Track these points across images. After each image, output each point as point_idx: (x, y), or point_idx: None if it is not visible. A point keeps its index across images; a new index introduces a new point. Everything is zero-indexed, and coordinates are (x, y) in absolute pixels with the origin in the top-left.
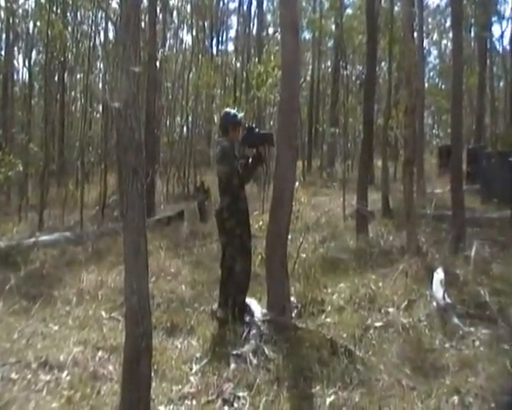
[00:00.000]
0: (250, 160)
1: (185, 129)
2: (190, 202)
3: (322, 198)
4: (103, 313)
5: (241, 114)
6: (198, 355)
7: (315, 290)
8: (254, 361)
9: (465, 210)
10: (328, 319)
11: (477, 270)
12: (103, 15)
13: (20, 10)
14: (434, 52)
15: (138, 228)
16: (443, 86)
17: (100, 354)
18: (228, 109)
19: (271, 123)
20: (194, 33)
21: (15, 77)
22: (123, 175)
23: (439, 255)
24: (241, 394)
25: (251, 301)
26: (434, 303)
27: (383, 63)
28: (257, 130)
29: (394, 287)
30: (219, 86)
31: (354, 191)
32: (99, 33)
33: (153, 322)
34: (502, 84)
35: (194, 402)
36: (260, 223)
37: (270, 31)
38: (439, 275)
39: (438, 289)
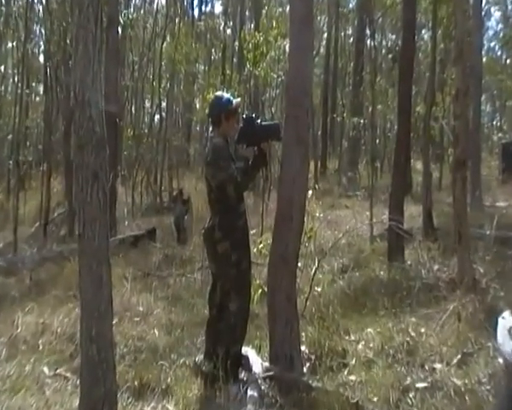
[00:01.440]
0: (250, 161)
1: (157, 118)
2: (164, 216)
3: (341, 212)
4: (46, 370)
5: (237, 100)
6: None
7: (334, 337)
8: None
9: None
10: (352, 377)
11: None
12: None
13: None
14: (496, 14)
15: (100, 252)
16: (507, 61)
17: None
18: (219, 93)
19: (273, 110)
20: None
21: None
22: (78, 180)
23: (505, 293)
24: None
25: (248, 352)
26: (500, 359)
27: (424, 31)
28: (258, 121)
29: (442, 335)
30: (203, 61)
31: (385, 203)
32: None
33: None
34: None
35: None
36: (260, 245)
37: None
38: (505, 321)
39: (505, 340)
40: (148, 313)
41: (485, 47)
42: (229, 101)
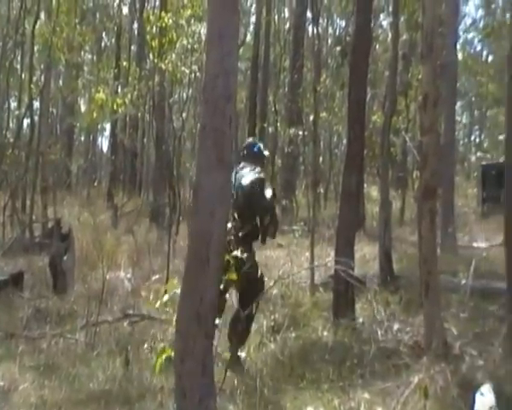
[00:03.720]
0: None
1: (27, 123)
2: (36, 255)
3: (273, 252)
4: None
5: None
6: None
7: None
8: None
9: None
10: None
11: None
12: None
13: None
14: None
15: None
16: (490, 58)
17: None
18: (255, 139)
19: (184, 117)
20: None
21: None
22: None
23: (484, 361)
24: None
25: None
26: None
27: (383, 16)
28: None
29: None
30: (91, 48)
31: (330, 242)
32: None
33: None
34: None
35: None
36: (165, 296)
37: None
38: (484, 398)
39: None
40: (10, 388)
41: (462, 40)
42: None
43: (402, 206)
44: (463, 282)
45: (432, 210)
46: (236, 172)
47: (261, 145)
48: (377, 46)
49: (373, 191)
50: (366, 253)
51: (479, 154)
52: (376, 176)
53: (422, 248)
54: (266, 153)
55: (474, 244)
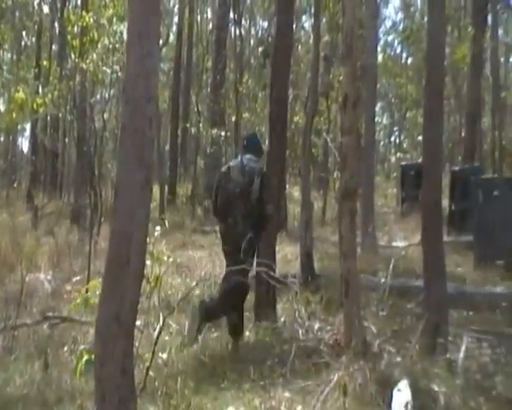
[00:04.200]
0: None
1: None
2: None
3: (196, 253)
4: None
5: None
6: None
7: None
8: None
9: (447, 280)
10: None
11: (469, 386)
12: None
13: None
14: (395, 1)
15: None
16: (409, 60)
17: None
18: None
19: (105, 117)
20: None
21: None
22: None
23: (401, 358)
24: None
25: None
26: None
27: (305, 18)
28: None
29: None
30: (10, 47)
31: None
32: None
33: None
34: None
35: None
36: (85, 299)
37: None
38: (402, 394)
39: None
40: None
41: (382, 42)
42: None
43: (323, 206)
44: (383, 281)
45: (352, 210)
46: (242, 160)
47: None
48: (299, 47)
49: (294, 192)
50: (288, 253)
51: (398, 154)
52: (298, 176)
53: (342, 248)
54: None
55: (394, 243)
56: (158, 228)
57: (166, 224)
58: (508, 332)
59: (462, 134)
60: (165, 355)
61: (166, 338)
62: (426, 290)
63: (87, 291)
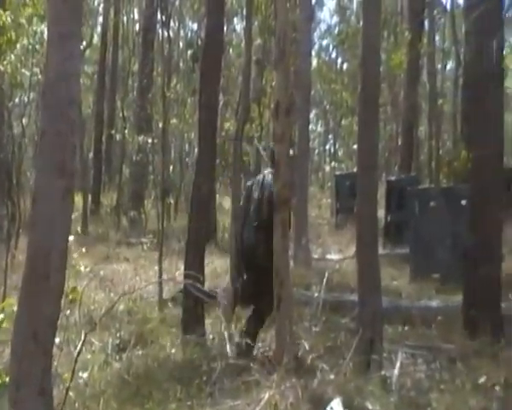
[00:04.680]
0: None
1: None
2: None
3: (120, 266)
4: None
5: None
6: None
7: None
8: None
9: (382, 294)
10: None
11: (404, 403)
12: None
13: None
14: (330, 4)
15: None
16: (345, 66)
17: None
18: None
19: (24, 122)
20: None
21: None
22: None
23: (335, 375)
24: None
25: None
26: None
27: (236, 20)
28: None
29: None
30: None
31: (180, 255)
32: None
33: None
34: (450, 65)
35: None
36: (0, 315)
37: None
38: None
39: None
40: None
41: (316, 46)
42: None
43: None
44: (316, 295)
45: (284, 221)
46: (264, 173)
47: None
48: (230, 51)
49: (225, 202)
50: (217, 266)
51: (333, 163)
52: (229, 186)
53: (274, 261)
54: None
55: (328, 256)
56: (71, 238)
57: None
58: (443, 347)
59: (399, 143)
60: (86, 374)
61: (88, 356)
62: (360, 305)
63: (3, 309)
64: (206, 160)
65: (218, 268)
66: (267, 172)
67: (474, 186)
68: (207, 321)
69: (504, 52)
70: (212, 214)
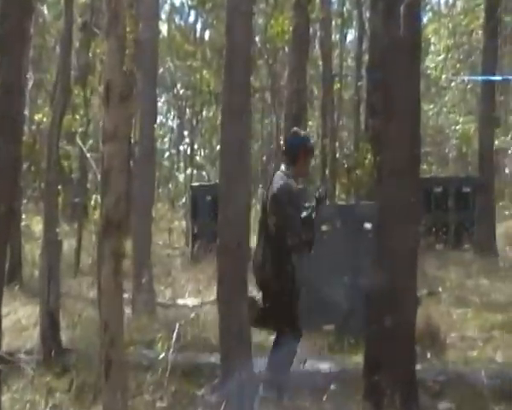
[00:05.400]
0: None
1: None
2: None
3: None
4: None
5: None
6: None
7: None
8: None
9: (255, 352)
10: None
11: None
12: None
13: None
14: None
15: None
16: (207, 34)
17: None
18: (296, 129)
19: None
20: None
21: None
22: None
23: None
24: None
25: None
26: None
27: None
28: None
29: None
30: None
31: None
32: None
33: None
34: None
35: None
36: None
37: None
38: None
39: None
40: None
41: (167, 7)
42: (307, 138)
43: (78, 246)
44: (162, 355)
45: (116, 252)
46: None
47: (295, 133)
48: (45, 9)
49: (35, 225)
50: (22, 317)
51: (190, 170)
52: (40, 201)
53: (103, 308)
54: (300, 143)
55: (180, 301)
56: None
57: None
58: None
59: (281, 142)
60: None
61: None
62: (224, 369)
63: None
64: (5, 165)
65: (22, 320)
66: (280, 171)
67: (383, 203)
68: (6, 396)
69: (425, 19)
70: (17, 243)
